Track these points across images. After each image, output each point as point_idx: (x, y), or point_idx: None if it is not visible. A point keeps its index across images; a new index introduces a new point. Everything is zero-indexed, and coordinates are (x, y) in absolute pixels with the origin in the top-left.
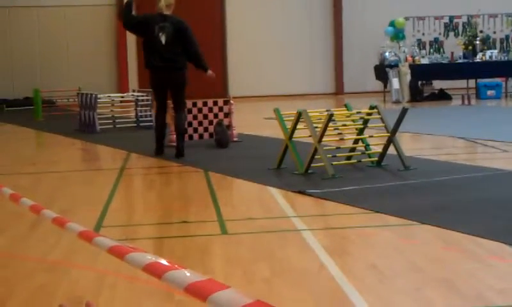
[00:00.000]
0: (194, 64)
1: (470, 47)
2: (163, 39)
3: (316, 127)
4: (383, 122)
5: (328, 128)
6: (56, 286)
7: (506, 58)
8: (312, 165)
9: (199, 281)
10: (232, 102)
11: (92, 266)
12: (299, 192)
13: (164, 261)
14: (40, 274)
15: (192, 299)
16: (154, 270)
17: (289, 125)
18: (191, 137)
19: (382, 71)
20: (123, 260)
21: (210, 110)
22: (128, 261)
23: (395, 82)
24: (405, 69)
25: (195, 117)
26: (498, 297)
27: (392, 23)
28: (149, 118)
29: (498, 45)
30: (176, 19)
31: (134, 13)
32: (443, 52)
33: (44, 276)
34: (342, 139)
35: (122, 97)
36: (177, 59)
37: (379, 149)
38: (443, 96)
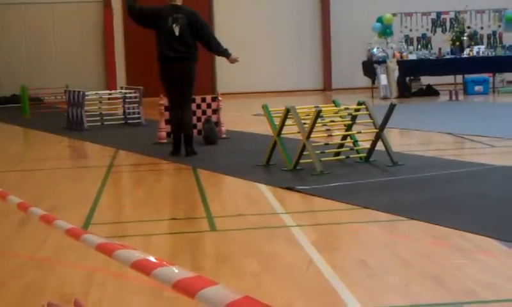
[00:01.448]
0: (215, 51)
1: (458, 43)
2: (177, 30)
3: (304, 123)
4: (371, 118)
5: (316, 125)
6: (45, 284)
7: (493, 54)
8: (301, 161)
9: (187, 277)
10: (220, 98)
11: (81, 263)
12: (288, 189)
13: (152, 258)
14: (29, 271)
15: (181, 296)
16: (142, 267)
17: (277, 122)
18: None
19: (370, 67)
20: (111, 257)
21: (198, 106)
22: (116, 258)
23: (383, 78)
24: (393, 65)
25: None
26: (486, 291)
27: (379, 20)
28: (137, 115)
29: (485, 40)
30: (190, 10)
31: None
32: (431, 48)
33: (33, 274)
34: (330, 135)
35: (110, 94)
36: (190, 51)
37: (367, 145)
38: (430, 91)
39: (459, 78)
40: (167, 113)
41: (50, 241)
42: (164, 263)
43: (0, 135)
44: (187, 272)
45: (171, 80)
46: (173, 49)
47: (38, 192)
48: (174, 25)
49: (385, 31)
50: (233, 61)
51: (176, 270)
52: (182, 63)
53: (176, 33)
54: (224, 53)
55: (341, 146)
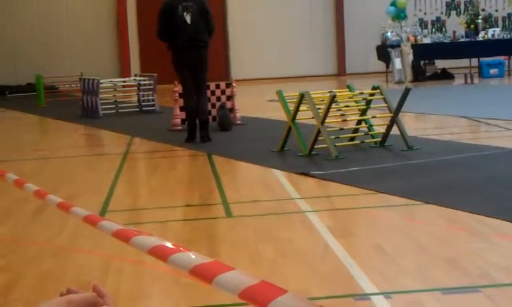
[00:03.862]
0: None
1: (472, 26)
2: (188, 18)
3: (319, 109)
4: (386, 102)
5: (331, 110)
6: (63, 271)
7: (508, 36)
8: (315, 146)
9: (204, 263)
10: (234, 84)
11: (98, 250)
12: (303, 174)
13: (169, 244)
14: (46, 259)
15: (198, 282)
16: (159, 253)
17: (292, 107)
18: None
19: (384, 51)
20: (129, 244)
21: (213, 93)
22: (134, 244)
23: (397, 62)
24: (407, 49)
25: None
26: (502, 275)
27: (393, 3)
28: (151, 102)
29: (500, 23)
30: None
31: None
32: (445, 31)
33: (50, 261)
34: (344, 120)
35: (124, 82)
36: (203, 38)
37: (382, 129)
38: (445, 75)
39: (474, 61)
40: (181, 100)
41: (67, 228)
42: (181, 249)
43: (16, 124)
44: (204, 258)
45: (186, 68)
46: (186, 37)
47: (54, 180)
48: (185, 14)
49: (399, 14)
50: None
51: (193, 256)
52: (196, 51)
53: (188, 21)
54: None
55: (356, 130)
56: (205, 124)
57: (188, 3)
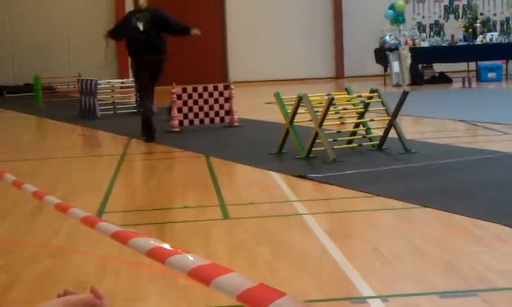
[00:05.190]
0: (181, 34)
1: (471, 30)
2: (141, 26)
3: (317, 111)
4: (384, 105)
5: (329, 112)
6: (60, 272)
7: (507, 40)
8: (313, 149)
9: (202, 265)
10: (232, 86)
11: (95, 251)
12: (301, 177)
13: (167, 246)
14: (44, 259)
15: (196, 284)
16: (157, 255)
17: (290, 110)
18: (191, 122)
19: (382, 54)
20: (127, 245)
21: (211, 95)
22: (132, 246)
23: (395, 66)
24: (405, 52)
25: (196, 102)
26: (499, 279)
27: (391, 7)
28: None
29: (498, 27)
30: (153, 8)
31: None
32: (444, 35)
33: (48, 262)
34: (342, 123)
35: (122, 83)
36: (155, 42)
37: (380, 132)
38: (443, 79)
39: (472, 65)
40: (180, 102)
41: (64, 229)
42: (179, 250)
43: (14, 125)
44: (202, 260)
45: (144, 71)
46: (140, 43)
47: (51, 180)
48: (138, 23)
49: (397, 18)
50: (194, 34)
51: (191, 258)
52: (151, 54)
53: (141, 28)
54: (184, 31)
55: (354, 133)
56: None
57: (141, 14)
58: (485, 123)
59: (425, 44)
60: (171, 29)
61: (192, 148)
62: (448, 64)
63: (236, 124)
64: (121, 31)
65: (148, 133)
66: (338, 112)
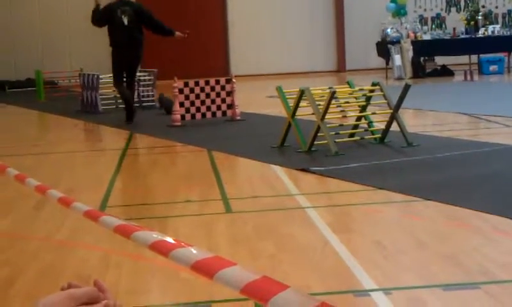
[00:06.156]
0: (162, 34)
1: (472, 22)
2: (125, 20)
3: (319, 105)
4: (386, 99)
5: (331, 106)
6: (62, 266)
7: (508, 33)
8: (315, 142)
9: (206, 258)
10: (234, 80)
11: (97, 245)
12: (303, 170)
13: (170, 239)
14: (47, 253)
15: (198, 277)
16: (160, 248)
17: (292, 103)
18: (193, 116)
19: (384, 47)
20: (129, 239)
21: (213, 89)
22: (135, 239)
23: (397, 59)
24: (407, 45)
25: (197, 96)
26: (502, 271)
27: (393, 0)
28: (151, 98)
29: (500, 19)
30: (136, 4)
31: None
32: (445, 28)
33: (51, 256)
34: (344, 117)
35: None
36: (138, 37)
37: (382, 126)
38: (445, 72)
39: (474, 58)
40: (182, 96)
41: (67, 223)
42: (182, 244)
43: (16, 119)
44: (205, 253)
45: (124, 63)
46: (124, 36)
47: (53, 175)
48: (123, 16)
49: (399, 11)
50: (179, 37)
51: (194, 251)
52: (133, 49)
53: (126, 23)
54: (169, 33)
55: (356, 127)
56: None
57: (125, 7)
58: (487, 115)
59: (427, 37)
60: (154, 25)
61: (195, 142)
62: (450, 57)
63: (238, 118)
64: (104, 20)
65: (129, 116)
66: (340, 106)
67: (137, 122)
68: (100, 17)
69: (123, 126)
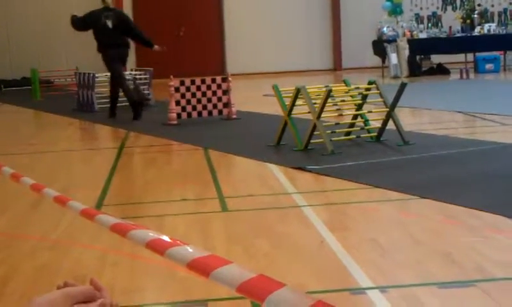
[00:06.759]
0: (141, 43)
1: (468, 21)
2: (110, 24)
3: (315, 103)
4: (382, 97)
5: (327, 104)
6: (59, 265)
7: (504, 31)
8: (311, 141)
9: (201, 256)
10: (230, 79)
11: (94, 244)
12: (299, 169)
13: (166, 238)
14: (43, 252)
15: (195, 275)
16: (157, 247)
17: (288, 102)
18: (189, 115)
19: (380, 46)
20: (126, 237)
21: (209, 87)
22: (131, 238)
23: (393, 57)
24: (403, 44)
25: (193, 95)
26: (498, 269)
27: None
28: (147, 97)
29: (496, 18)
30: (118, 11)
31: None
32: (441, 26)
33: (47, 255)
34: (340, 115)
35: None
36: (124, 38)
37: (378, 124)
38: (441, 70)
39: (470, 56)
40: (178, 94)
41: (63, 222)
42: (178, 242)
43: (12, 118)
44: (201, 252)
45: (116, 62)
46: (111, 38)
47: (49, 174)
48: (107, 21)
49: (395, 9)
50: (157, 50)
51: (190, 250)
52: (119, 49)
53: (110, 26)
54: (148, 44)
55: (352, 125)
56: (140, 104)
57: (109, 13)
58: (483, 114)
59: (423, 35)
60: (133, 33)
61: (191, 141)
62: (446, 56)
63: (234, 116)
64: (89, 24)
65: (139, 111)
66: (336, 104)
67: (134, 121)
68: (83, 22)
69: (119, 125)
